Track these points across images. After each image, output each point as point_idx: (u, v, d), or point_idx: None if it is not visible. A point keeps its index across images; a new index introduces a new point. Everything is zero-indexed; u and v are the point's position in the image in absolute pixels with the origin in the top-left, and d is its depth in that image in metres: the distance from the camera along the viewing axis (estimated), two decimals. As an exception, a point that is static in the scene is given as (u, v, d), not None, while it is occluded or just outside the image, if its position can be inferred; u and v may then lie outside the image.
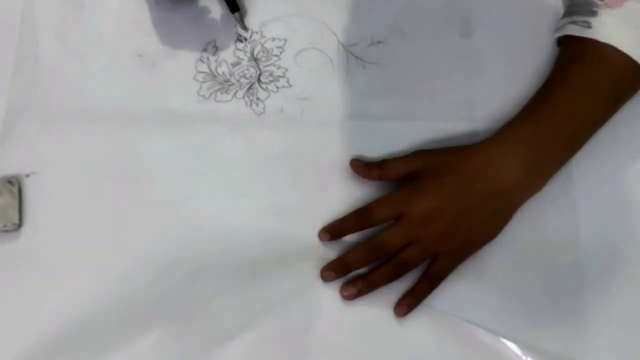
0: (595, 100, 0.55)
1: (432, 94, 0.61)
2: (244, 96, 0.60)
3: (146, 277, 0.55)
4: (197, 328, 0.53)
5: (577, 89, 0.55)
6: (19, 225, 0.55)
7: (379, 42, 0.62)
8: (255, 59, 0.61)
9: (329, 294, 0.55)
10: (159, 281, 0.55)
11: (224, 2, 0.60)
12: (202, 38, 0.61)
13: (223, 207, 0.57)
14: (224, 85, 0.60)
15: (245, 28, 0.61)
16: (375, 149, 0.59)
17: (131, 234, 0.56)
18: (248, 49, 0.61)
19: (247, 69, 0.61)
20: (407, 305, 0.54)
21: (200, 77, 0.60)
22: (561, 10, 0.61)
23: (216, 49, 0.61)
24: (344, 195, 0.57)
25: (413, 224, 0.54)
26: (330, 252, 0.56)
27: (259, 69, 0.61)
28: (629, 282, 0.56)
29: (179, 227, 0.56)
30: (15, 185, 0.56)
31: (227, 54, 0.61)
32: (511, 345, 0.54)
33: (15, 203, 0.55)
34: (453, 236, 0.54)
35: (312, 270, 0.55)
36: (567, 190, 0.58)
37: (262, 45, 0.62)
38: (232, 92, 0.60)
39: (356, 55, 0.61)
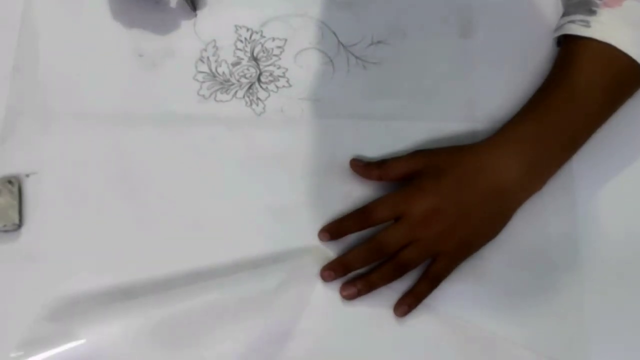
0: (595, 99, 0.55)
1: (432, 94, 0.61)
2: (244, 96, 0.60)
3: (145, 276, 0.55)
4: (195, 326, 0.53)
5: (577, 89, 0.55)
6: (19, 225, 0.55)
7: (379, 42, 0.62)
8: (255, 59, 0.61)
9: (329, 294, 0.55)
10: (158, 280, 0.55)
11: None
12: (202, 38, 0.61)
13: (223, 207, 0.57)
14: (224, 85, 0.60)
15: (194, 9, 0.60)
16: (375, 149, 0.59)
17: (131, 234, 0.56)
18: (248, 49, 0.61)
19: (247, 69, 0.61)
20: (407, 305, 0.54)
21: (200, 77, 0.61)
22: (561, 10, 0.61)
23: (216, 49, 0.61)
24: (344, 195, 0.57)
25: (413, 224, 0.54)
26: (330, 252, 0.56)
27: (259, 69, 0.61)
28: (629, 282, 0.56)
29: (178, 227, 0.56)
30: (15, 185, 0.56)
31: (227, 54, 0.61)
32: (511, 345, 0.54)
33: (15, 203, 0.55)
34: (453, 236, 0.54)
35: (312, 270, 0.55)
36: (567, 190, 0.58)
37: (262, 45, 0.62)
38: (232, 92, 0.60)
39: (356, 55, 0.61)
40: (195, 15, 0.61)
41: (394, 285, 0.55)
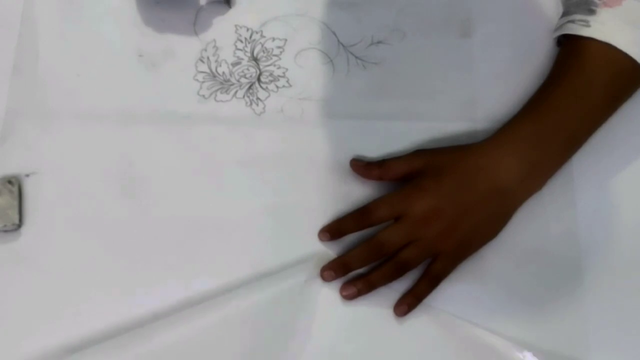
0: (595, 99, 0.55)
1: (432, 94, 0.61)
2: (244, 96, 0.60)
3: (146, 276, 0.55)
4: (195, 326, 0.53)
5: (576, 88, 0.55)
6: (19, 225, 0.55)
7: (379, 42, 0.62)
8: (255, 59, 0.61)
9: (329, 294, 0.55)
10: (159, 280, 0.55)
11: None
12: (202, 38, 0.61)
13: (222, 207, 0.57)
14: (224, 85, 0.60)
15: (228, 3, 0.61)
16: (375, 149, 0.59)
17: (131, 234, 0.56)
18: (248, 49, 0.61)
19: (247, 69, 0.61)
20: (407, 305, 0.54)
21: (200, 77, 0.60)
22: (561, 10, 0.61)
23: (216, 49, 0.61)
24: (344, 195, 0.57)
25: (413, 223, 0.54)
26: (330, 252, 0.56)
27: (259, 69, 0.61)
28: (629, 281, 0.56)
29: (178, 226, 0.56)
30: (15, 185, 0.56)
31: (227, 54, 0.61)
32: (511, 345, 0.54)
33: (15, 203, 0.55)
34: (453, 236, 0.54)
35: (311, 270, 0.55)
36: (567, 190, 0.58)
37: (262, 45, 0.62)
38: (232, 92, 0.60)
39: (356, 55, 0.61)
40: (230, 7, 0.61)
41: (394, 285, 0.55)
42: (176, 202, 0.57)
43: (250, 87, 0.60)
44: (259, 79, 0.61)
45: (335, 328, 0.54)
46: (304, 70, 0.61)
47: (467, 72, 0.61)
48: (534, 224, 0.57)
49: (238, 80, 0.61)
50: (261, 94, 0.60)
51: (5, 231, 0.55)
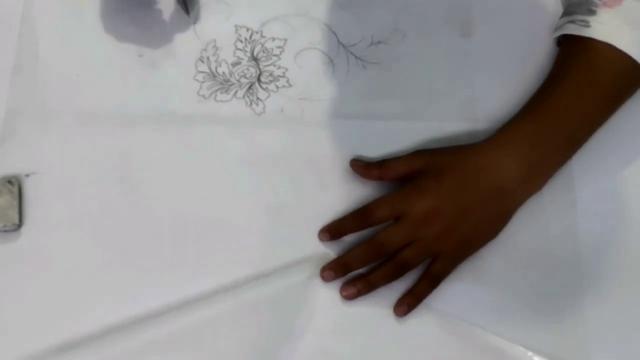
0: (595, 99, 0.55)
1: (432, 94, 0.61)
2: (244, 96, 0.60)
3: (146, 276, 0.55)
4: (194, 326, 0.53)
5: (576, 88, 0.55)
6: (19, 225, 0.55)
7: (379, 42, 0.62)
8: (255, 59, 0.61)
9: (329, 294, 0.55)
10: (158, 280, 0.55)
11: None
12: (202, 38, 0.61)
13: (223, 207, 0.57)
14: (224, 85, 0.60)
15: (187, 12, 0.60)
16: (375, 149, 0.59)
17: (131, 234, 0.56)
18: (248, 49, 0.61)
19: (247, 69, 0.61)
20: (407, 305, 0.54)
21: (200, 77, 0.60)
22: (561, 10, 0.61)
23: (216, 49, 0.61)
24: (344, 195, 0.57)
25: (413, 223, 0.54)
26: (330, 252, 0.56)
27: (259, 69, 0.61)
28: (629, 282, 0.56)
29: (178, 226, 0.56)
30: (15, 185, 0.56)
31: (227, 54, 0.61)
32: (511, 345, 0.54)
33: (15, 203, 0.55)
34: (453, 236, 0.54)
35: (311, 270, 0.55)
36: (567, 190, 0.58)
37: (262, 45, 0.62)
38: (232, 92, 0.60)
39: (356, 55, 0.61)
40: (189, 17, 0.61)
41: (394, 285, 0.55)
42: (176, 202, 0.57)
43: (250, 87, 0.60)
44: (259, 79, 0.61)
45: (335, 328, 0.54)
46: (304, 70, 0.61)
47: (467, 72, 0.61)
48: (534, 224, 0.57)
49: (238, 80, 0.61)
50: (261, 94, 0.60)
51: (5, 231, 0.55)
